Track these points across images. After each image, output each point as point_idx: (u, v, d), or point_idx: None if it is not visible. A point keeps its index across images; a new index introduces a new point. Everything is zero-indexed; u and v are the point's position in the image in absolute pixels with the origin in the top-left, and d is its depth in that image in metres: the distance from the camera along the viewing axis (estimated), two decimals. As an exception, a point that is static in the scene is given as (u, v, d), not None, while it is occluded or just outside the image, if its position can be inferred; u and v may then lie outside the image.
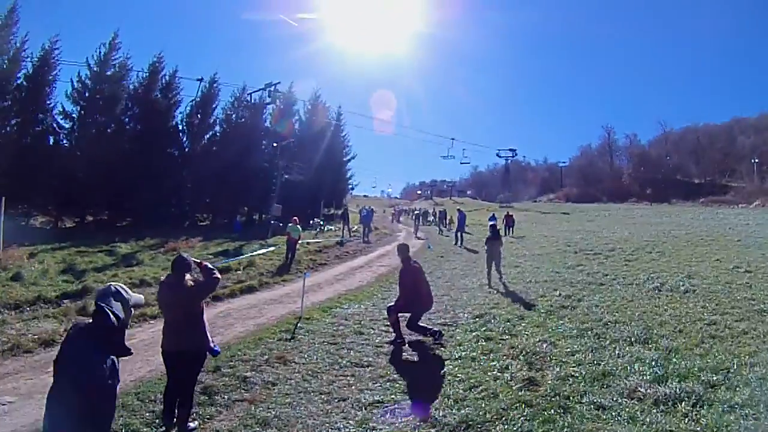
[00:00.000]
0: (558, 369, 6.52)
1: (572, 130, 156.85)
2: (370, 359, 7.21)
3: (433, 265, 17.32)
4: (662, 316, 9.22)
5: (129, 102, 36.92)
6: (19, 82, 33.06)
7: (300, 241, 19.38)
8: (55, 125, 34.33)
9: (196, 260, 5.30)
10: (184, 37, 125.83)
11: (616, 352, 7.18)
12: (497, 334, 8.30)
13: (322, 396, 5.87)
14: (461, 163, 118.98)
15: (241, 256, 17.88)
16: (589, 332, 8.20)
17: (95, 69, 35.21)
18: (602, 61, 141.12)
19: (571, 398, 5.61)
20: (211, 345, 5.18)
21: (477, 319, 9.43)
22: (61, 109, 34.41)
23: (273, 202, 29.84)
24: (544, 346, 7.52)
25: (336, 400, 5.75)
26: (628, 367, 6.49)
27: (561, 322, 9.03)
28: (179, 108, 39.56)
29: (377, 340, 8.22)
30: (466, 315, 9.94)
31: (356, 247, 24.14)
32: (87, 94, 34.81)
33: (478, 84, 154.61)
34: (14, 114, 32.50)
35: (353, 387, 6.14)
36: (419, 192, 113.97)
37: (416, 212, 44.55)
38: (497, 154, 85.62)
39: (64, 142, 34.90)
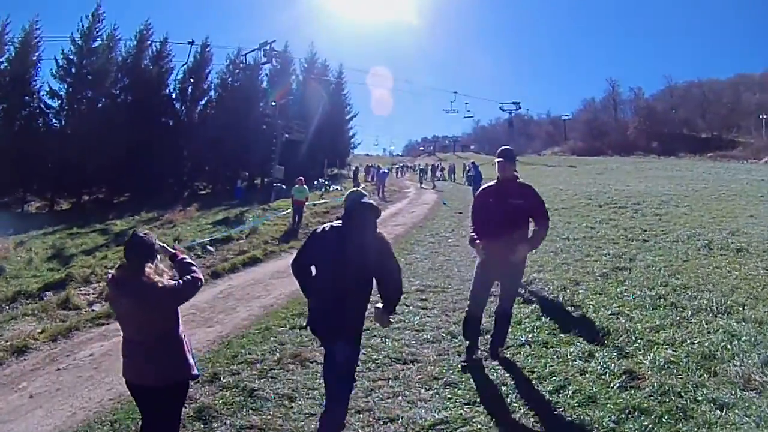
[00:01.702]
0: (652, 353, 5.13)
1: (575, 83, 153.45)
2: (413, 351, 5.56)
3: (453, 223, 16.02)
4: (728, 279, 7.92)
5: (119, 74, 35.71)
6: (2, 66, 32.40)
7: (307, 203, 18.00)
8: (42, 106, 33.91)
9: (166, 246, 3.54)
10: (173, 1, 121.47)
11: (704, 325, 5.89)
12: (559, 307, 6.83)
13: (360, 415, 4.21)
14: (464, 117, 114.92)
15: (243, 225, 16.50)
16: (662, 300, 6.87)
17: (80, 43, 34.24)
18: (605, 13, 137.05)
19: (683, 395, 4.31)
20: (194, 371, 3.41)
21: (527, 287, 7.83)
22: (48, 89, 33.91)
23: (274, 164, 28.35)
24: (621, 320, 6.12)
25: (380, 422, 4.11)
26: (728, 346, 5.22)
27: (623, 287, 7.63)
28: (172, 75, 38.86)
29: (416, 321, 6.55)
30: (508, 281, 8.43)
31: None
32: (73, 70, 34.08)
33: (479, 37, 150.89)
34: (-1, 100, 31.49)
35: (400, 397, 4.50)
36: (422, 148, 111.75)
37: (420, 167, 46.14)
38: (500, 108, 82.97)
39: (54, 122, 34.66)
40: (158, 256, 3.32)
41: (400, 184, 37.80)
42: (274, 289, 8.91)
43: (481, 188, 5.74)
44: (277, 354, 5.62)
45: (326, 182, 32.28)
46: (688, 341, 5.43)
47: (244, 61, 39.59)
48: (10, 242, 15.01)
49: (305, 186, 17.47)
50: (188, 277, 3.33)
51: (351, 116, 53.64)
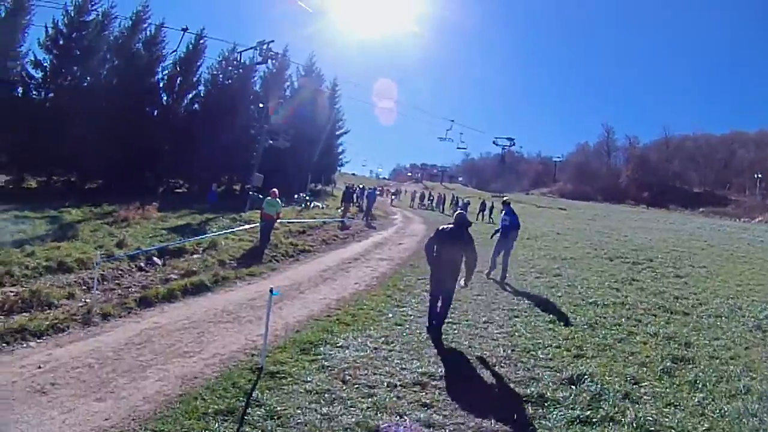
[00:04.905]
0: None
1: (570, 126, 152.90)
2: None
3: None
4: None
5: (108, 53, 33.07)
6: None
7: (280, 220, 15.52)
8: (24, 74, 30.59)
9: None
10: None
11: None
12: (628, 427, 4.47)
13: None
14: (458, 148, 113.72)
15: (204, 235, 14.08)
16: (754, 420, 4.96)
17: (73, 14, 31.22)
18: (606, 59, 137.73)
19: None
20: None
21: (572, 388, 5.40)
22: (33, 58, 30.68)
23: (254, 171, 25.82)
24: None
25: None
26: None
27: (699, 393, 5.57)
28: (162, 63, 35.94)
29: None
30: (546, 375, 5.83)
31: (348, 230, 20.22)
32: (62, 42, 30.99)
33: (478, 71, 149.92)
34: (-19, 62, 29.12)
35: None
36: (409, 174, 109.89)
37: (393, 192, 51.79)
38: (494, 142, 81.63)
39: (33, 93, 31.30)
40: None
41: (386, 209, 35.57)
42: (209, 343, 6.32)
43: None
44: None
45: (308, 198, 29.78)
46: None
47: (238, 58, 37.15)
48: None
49: (278, 199, 14.92)
50: None
51: (342, 132, 51.38)
